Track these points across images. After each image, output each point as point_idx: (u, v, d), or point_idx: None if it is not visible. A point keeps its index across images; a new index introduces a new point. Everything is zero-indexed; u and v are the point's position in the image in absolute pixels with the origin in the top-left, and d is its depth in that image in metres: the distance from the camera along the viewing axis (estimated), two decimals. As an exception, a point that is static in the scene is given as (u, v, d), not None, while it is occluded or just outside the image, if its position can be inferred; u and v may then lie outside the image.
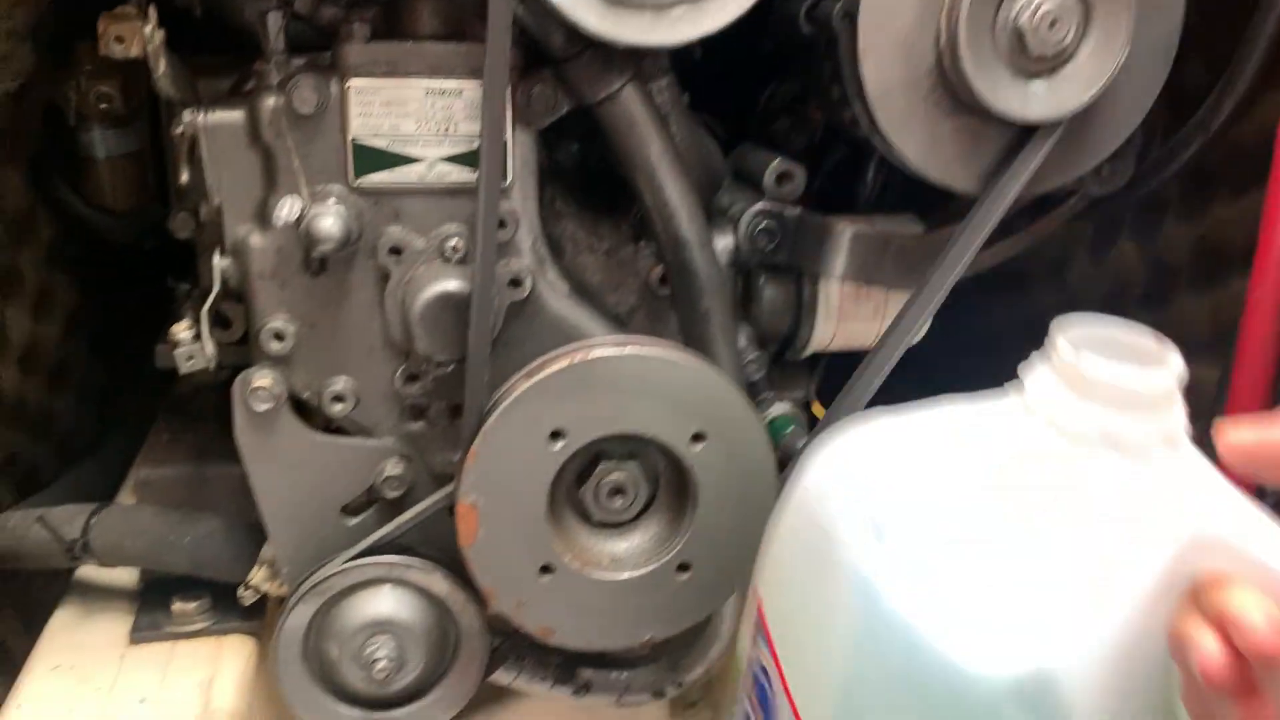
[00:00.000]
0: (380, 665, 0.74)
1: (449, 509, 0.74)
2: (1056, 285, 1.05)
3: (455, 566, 0.76)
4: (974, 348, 1.20)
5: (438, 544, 0.77)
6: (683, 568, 0.75)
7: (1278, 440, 0.41)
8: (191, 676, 0.78)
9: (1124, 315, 0.96)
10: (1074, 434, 0.43)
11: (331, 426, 0.77)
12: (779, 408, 0.86)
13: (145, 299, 1.00)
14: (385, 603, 0.76)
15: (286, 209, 0.69)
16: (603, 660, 0.92)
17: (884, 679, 0.45)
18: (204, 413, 0.92)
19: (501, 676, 0.89)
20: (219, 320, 0.80)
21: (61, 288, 1.09)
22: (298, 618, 0.75)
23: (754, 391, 0.84)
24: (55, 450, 1.09)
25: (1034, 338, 1.12)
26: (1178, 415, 0.44)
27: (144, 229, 1.10)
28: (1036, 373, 0.46)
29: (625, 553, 0.76)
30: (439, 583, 0.76)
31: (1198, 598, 0.40)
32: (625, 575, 0.74)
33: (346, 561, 0.75)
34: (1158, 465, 0.43)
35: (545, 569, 0.73)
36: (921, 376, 1.07)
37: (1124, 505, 0.42)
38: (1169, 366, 0.44)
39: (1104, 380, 0.43)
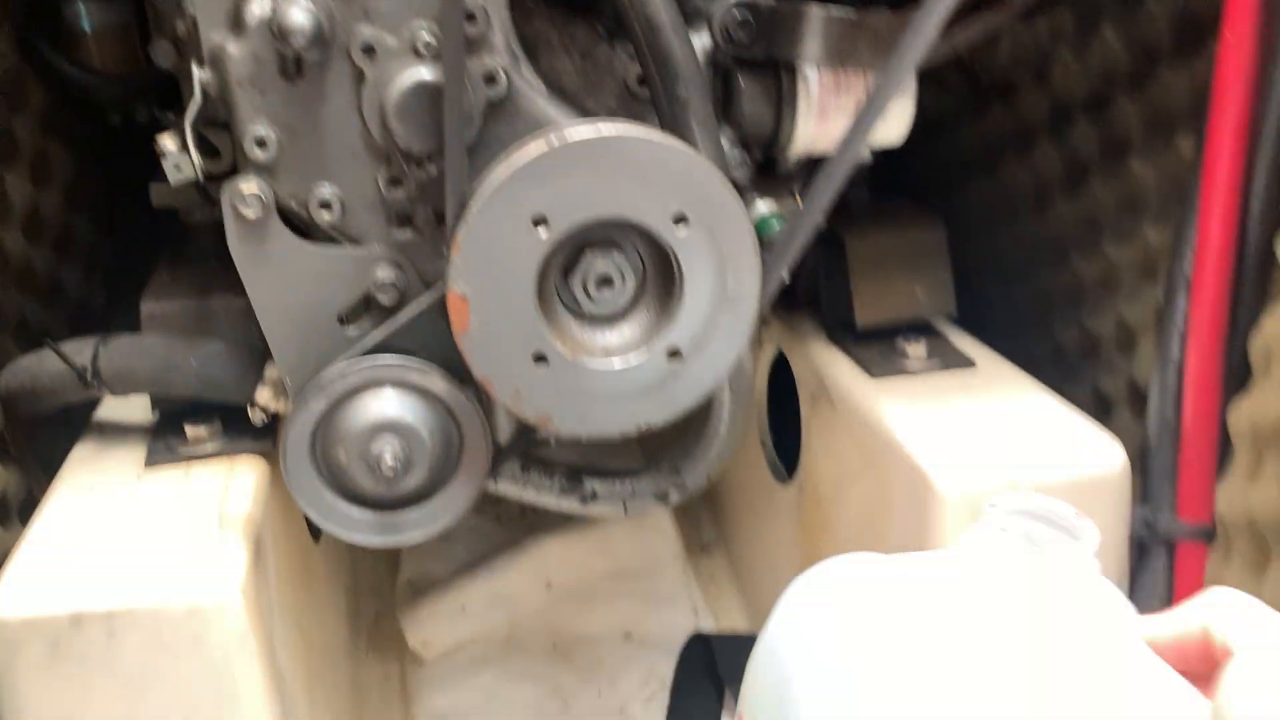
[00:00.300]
0: (387, 463, 0.77)
1: (444, 315, 0.75)
2: (1042, 89, 1.05)
3: (455, 372, 0.78)
4: (970, 162, 1.20)
5: (437, 352, 0.79)
6: (673, 354, 0.77)
7: (1188, 635, 0.46)
8: (207, 489, 0.81)
9: (1112, 107, 0.97)
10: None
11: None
12: (764, 206, 0.87)
13: (146, 180, 1.01)
14: (388, 404, 0.78)
15: (258, 8, 0.70)
16: (606, 470, 0.95)
17: None
18: (204, 253, 0.94)
19: (509, 489, 0.92)
20: (208, 150, 0.82)
21: (58, 156, 1.11)
22: (302, 421, 0.77)
23: (739, 192, 0.85)
24: (66, 320, 1.12)
25: (1024, 148, 1.12)
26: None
27: (133, 94, 1.11)
28: (974, 548, 0.51)
29: (617, 343, 0.77)
30: (438, 382, 0.78)
31: None
32: (618, 363, 0.76)
33: (346, 363, 0.77)
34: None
35: (539, 359, 0.75)
36: (920, 195, 1.08)
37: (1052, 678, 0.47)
38: (1086, 542, 0.50)
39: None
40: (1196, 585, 0.83)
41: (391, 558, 1.34)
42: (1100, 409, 1.01)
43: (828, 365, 1.02)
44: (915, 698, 0.48)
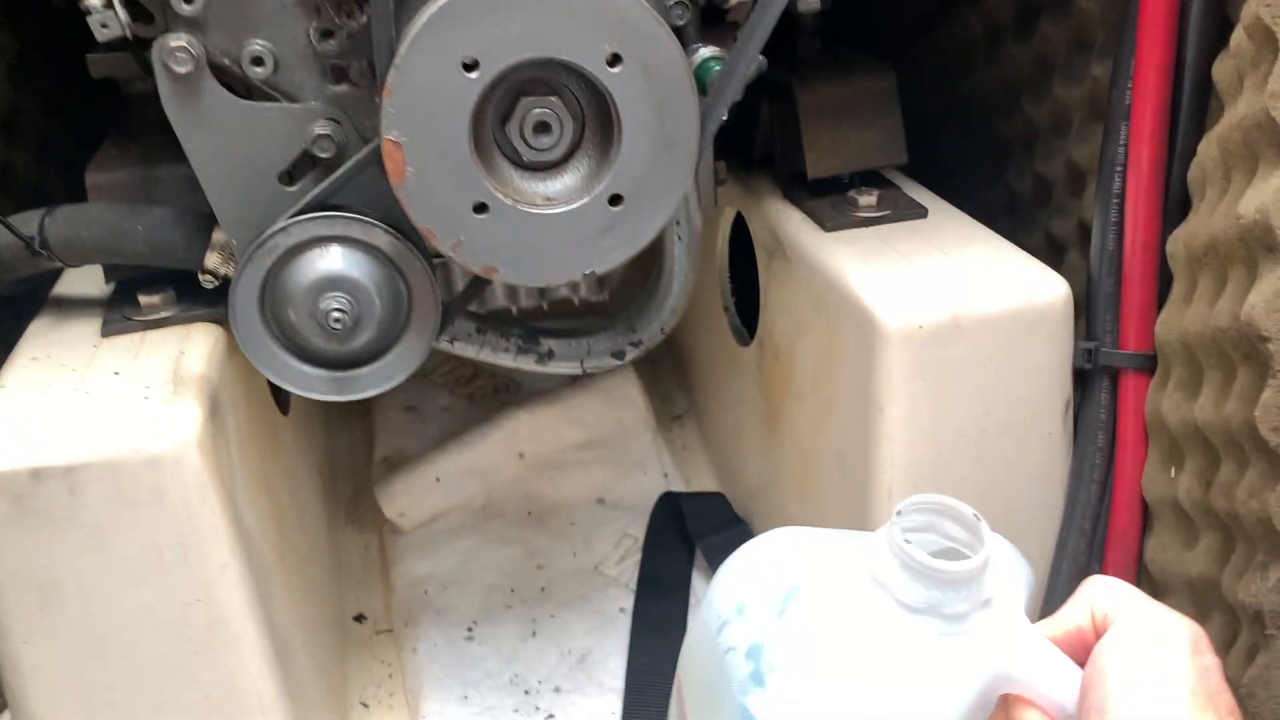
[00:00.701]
0: (335, 317, 0.78)
1: (384, 169, 0.75)
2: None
3: (402, 228, 0.79)
4: (925, 11, 1.19)
5: (382, 208, 0.79)
6: (615, 200, 0.77)
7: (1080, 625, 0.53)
8: (162, 354, 0.82)
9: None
10: (908, 605, 0.55)
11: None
12: (707, 51, 0.86)
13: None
14: (333, 260, 0.79)
15: None
16: (562, 330, 0.96)
17: None
18: (149, 125, 0.93)
19: (465, 349, 0.93)
20: (140, 15, 0.81)
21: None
22: (247, 281, 0.78)
23: (682, 39, 0.84)
24: (19, 205, 1.11)
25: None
26: (989, 584, 0.56)
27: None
28: (880, 553, 0.56)
29: (558, 190, 0.77)
30: (381, 237, 0.79)
31: (1005, 712, 0.54)
32: (559, 211, 0.77)
33: (287, 220, 0.77)
34: (973, 623, 0.55)
35: (479, 208, 0.75)
36: (875, 47, 1.07)
37: (944, 656, 0.55)
38: (982, 549, 0.55)
39: (927, 567, 0.54)
40: (1138, 414, 0.85)
41: (367, 438, 1.37)
42: (1052, 252, 1.02)
43: (782, 221, 1.02)
44: (835, 659, 0.56)
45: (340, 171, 0.78)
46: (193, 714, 0.78)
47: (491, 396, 1.42)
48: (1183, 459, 0.79)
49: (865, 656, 0.56)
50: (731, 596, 0.62)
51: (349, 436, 1.38)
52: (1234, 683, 0.72)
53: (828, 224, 0.97)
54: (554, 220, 0.77)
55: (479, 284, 0.86)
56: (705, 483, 1.32)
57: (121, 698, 0.77)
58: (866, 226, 0.96)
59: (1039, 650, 0.55)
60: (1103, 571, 0.87)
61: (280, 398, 1.04)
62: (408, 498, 1.24)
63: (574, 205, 0.77)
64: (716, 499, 1.26)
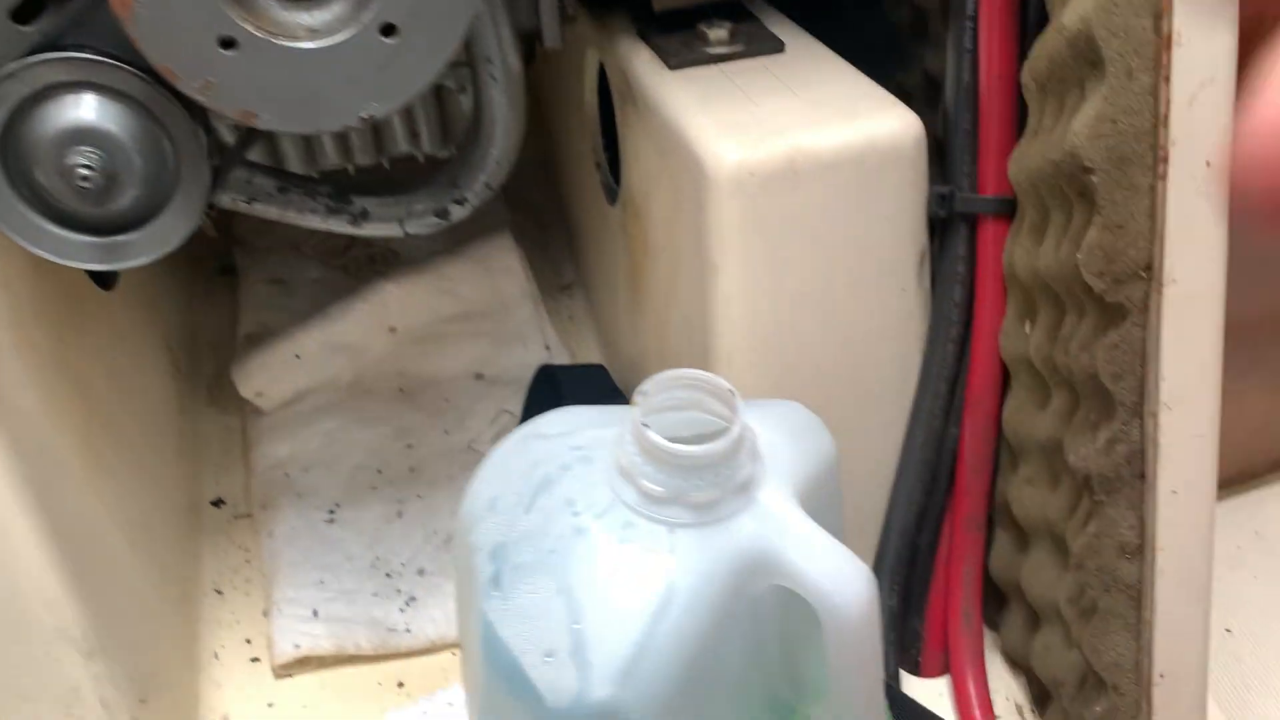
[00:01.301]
0: (82, 174, 0.69)
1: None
2: None
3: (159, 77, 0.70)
4: None
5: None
6: (388, 30, 0.68)
7: None
8: (-95, 221, 0.73)
9: None
10: (650, 493, 0.50)
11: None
12: None
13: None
14: (76, 109, 0.70)
15: None
16: (375, 188, 0.88)
17: (500, 698, 0.53)
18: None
19: (268, 211, 0.85)
20: None
21: None
22: (-20, 133, 0.69)
23: None
24: None
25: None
26: (745, 467, 0.51)
27: None
28: (624, 437, 0.51)
29: (322, 22, 0.68)
30: (130, 82, 0.69)
31: None
32: (323, 44, 0.67)
33: (16, 64, 0.68)
34: (727, 509, 0.50)
35: (227, 43, 0.66)
36: None
37: (693, 548, 0.50)
38: (731, 428, 0.50)
39: (670, 453, 0.49)
40: (997, 265, 0.77)
41: (234, 314, 1.29)
42: (930, 91, 0.92)
43: (631, 60, 0.92)
44: (574, 557, 0.51)
45: (72, 6, 0.68)
46: (-36, 610, 0.73)
47: (367, 266, 1.33)
48: (1036, 312, 0.72)
49: (607, 555, 0.49)
50: (485, 491, 0.56)
51: (214, 311, 1.30)
52: (1069, 554, 0.66)
53: (673, 62, 0.87)
54: (319, 55, 0.67)
55: (251, 134, 0.77)
56: (590, 354, 1.25)
57: (-122, 596, 0.71)
58: (715, 64, 0.87)
59: (805, 537, 0.49)
60: (960, 436, 0.80)
61: (99, 272, 0.96)
62: (265, 376, 1.17)
63: (341, 37, 0.67)
64: (597, 371, 1.19)
